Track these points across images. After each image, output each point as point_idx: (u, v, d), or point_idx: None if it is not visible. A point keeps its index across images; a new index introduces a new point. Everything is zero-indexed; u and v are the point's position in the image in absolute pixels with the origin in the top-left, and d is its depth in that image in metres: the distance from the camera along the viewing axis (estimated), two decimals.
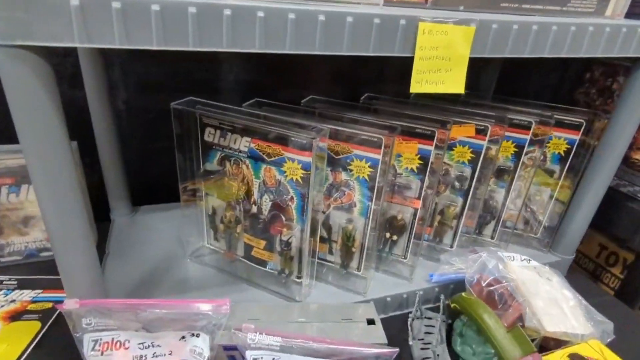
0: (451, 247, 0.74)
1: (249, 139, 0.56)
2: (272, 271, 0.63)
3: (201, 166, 0.62)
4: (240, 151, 0.58)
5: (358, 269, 0.65)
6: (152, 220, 0.78)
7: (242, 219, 0.63)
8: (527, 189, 0.76)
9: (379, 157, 0.56)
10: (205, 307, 0.45)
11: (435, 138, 0.59)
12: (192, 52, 0.37)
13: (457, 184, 0.69)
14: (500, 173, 0.71)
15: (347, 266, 0.65)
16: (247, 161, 0.58)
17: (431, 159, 0.60)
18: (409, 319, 0.59)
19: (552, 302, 0.60)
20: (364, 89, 0.74)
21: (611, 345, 0.58)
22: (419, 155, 0.61)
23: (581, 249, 0.91)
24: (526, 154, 0.73)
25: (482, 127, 0.63)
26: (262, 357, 0.44)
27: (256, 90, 0.80)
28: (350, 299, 0.62)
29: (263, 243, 0.62)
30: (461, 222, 0.71)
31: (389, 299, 0.64)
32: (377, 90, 0.75)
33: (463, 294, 0.59)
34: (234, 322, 0.47)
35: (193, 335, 0.47)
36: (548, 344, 0.58)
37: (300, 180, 0.55)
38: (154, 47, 0.35)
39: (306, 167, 0.54)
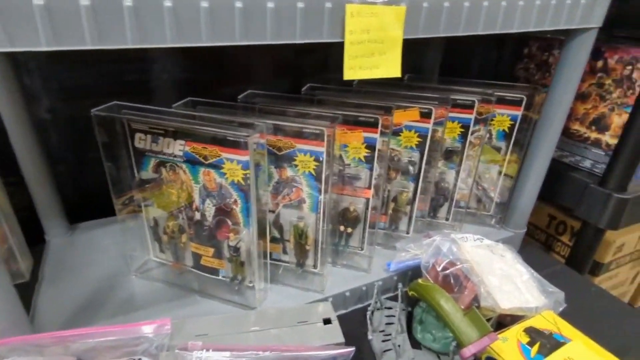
0: (407, 233, 0.73)
1: (182, 142, 0.52)
2: (224, 279, 0.60)
3: (136, 175, 0.57)
4: (175, 156, 0.54)
5: (314, 266, 0.63)
6: (91, 237, 0.72)
7: (186, 228, 0.59)
8: (476, 168, 0.77)
9: (323, 149, 0.54)
10: (144, 329, 0.42)
11: (380, 125, 0.57)
12: (120, 52, 0.33)
13: (408, 169, 0.68)
14: (449, 154, 0.71)
15: (303, 265, 0.63)
16: (184, 166, 0.54)
17: (378, 147, 0.59)
18: (368, 312, 0.57)
19: (506, 278, 0.60)
20: (308, 80, 0.71)
21: (564, 313, 0.60)
22: (365, 144, 0.59)
23: (532, 220, 0.93)
24: (472, 133, 0.74)
25: (427, 110, 0.62)
26: None
27: (194, 89, 0.76)
28: (308, 298, 0.60)
29: (211, 250, 0.59)
30: (415, 207, 0.71)
31: (347, 293, 0.63)
32: (323, 80, 0.72)
33: (419, 280, 0.58)
34: (180, 341, 0.44)
35: None
36: (505, 320, 0.59)
37: (242, 181, 0.52)
38: (88, 47, 0.31)
39: (246, 167, 0.51)
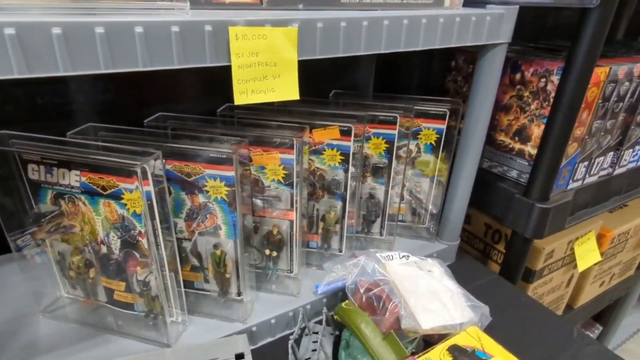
0: (340, 251, 0.72)
1: (78, 173, 0.49)
2: (140, 314, 0.56)
3: (35, 208, 0.53)
4: (72, 187, 0.50)
5: (238, 294, 0.60)
6: (4, 274, 0.66)
7: (93, 262, 0.55)
8: (407, 182, 0.77)
9: (233, 173, 0.52)
10: None
11: (295, 146, 0.56)
12: None
13: (334, 187, 0.66)
14: (376, 170, 0.70)
15: (226, 293, 0.60)
16: (83, 197, 0.50)
17: (295, 168, 0.57)
18: (290, 341, 0.55)
19: (433, 295, 0.60)
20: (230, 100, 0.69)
21: (490, 327, 0.60)
22: (282, 166, 0.58)
23: (471, 229, 0.94)
24: (401, 147, 0.74)
25: (346, 128, 0.61)
26: None
27: (111, 112, 0.72)
28: (230, 329, 0.57)
29: (123, 285, 0.55)
30: (345, 225, 0.69)
31: (273, 320, 0.60)
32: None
33: (343, 304, 0.57)
34: None
35: None
36: (433, 338, 0.58)
37: (145, 211, 0.49)
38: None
39: (148, 197, 0.48)
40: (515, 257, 0.78)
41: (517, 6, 0.57)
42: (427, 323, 0.54)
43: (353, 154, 0.63)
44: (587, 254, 0.89)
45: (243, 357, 0.47)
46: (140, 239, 0.51)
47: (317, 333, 0.61)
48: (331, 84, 0.80)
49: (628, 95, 0.72)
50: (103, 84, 0.69)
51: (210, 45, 0.38)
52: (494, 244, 0.88)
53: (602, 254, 0.97)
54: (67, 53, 0.32)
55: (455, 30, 0.53)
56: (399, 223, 0.81)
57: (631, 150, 0.81)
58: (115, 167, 0.46)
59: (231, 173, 0.51)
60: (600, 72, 0.64)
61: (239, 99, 0.41)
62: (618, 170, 0.82)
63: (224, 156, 0.50)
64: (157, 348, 0.54)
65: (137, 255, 0.52)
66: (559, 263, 0.87)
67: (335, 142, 0.63)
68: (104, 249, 0.53)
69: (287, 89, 0.43)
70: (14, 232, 0.53)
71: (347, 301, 0.58)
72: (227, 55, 0.39)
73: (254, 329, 0.59)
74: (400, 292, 0.57)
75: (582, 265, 0.88)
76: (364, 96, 0.82)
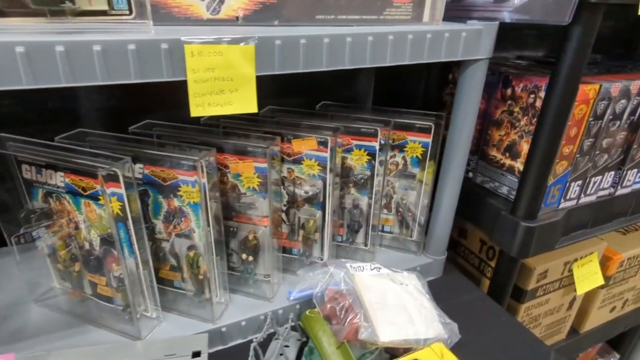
0: (321, 259, 0.73)
1: (62, 174, 0.53)
2: (117, 307, 0.60)
3: (29, 203, 0.58)
4: (58, 187, 0.54)
5: (215, 294, 0.63)
6: (5, 264, 0.72)
7: (78, 256, 0.59)
8: (394, 194, 0.77)
9: (204, 180, 0.54)
10: None
11: (267, 155, 0.58)
12: None
13: (313, 196, 0.68)
14: (358, 181, 0.71)
15: (202, 293, 0.63)
16: (67, 196, 0.55)
17: (269, 177, 0.59)
18: (253, 344, 0.57)
19: (400, 308, 0.60)
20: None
21: (463, 344, 0.60)
22: (257, 174, 0.60)
23: (467, 244, 0.93)
24: (389, 158, 0.74)
25: (323, 139, 0.63)
26: None
27: (111, 117, 0.77)
28: (201, 328, 0.60)
29: (104, 279, 0.59)
30: (325, 234, 0.70)
31: (244, 322, 0.62)
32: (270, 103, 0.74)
33: (307, 311, 0.58)
34: None
35: None
36: (398, 351, 0.58)
37: (120, 212, 0.52)
38: None
39: (120, 199, 0.51)
40: (503, 275, 0.76)
41: (497, 22, 0.57)
42: (387, 336, 0.55)
43: (329, 165, 0.64)
44: (588, 277, 0.85)
45: (199, 355, 0.50)
46: (116, 237, 0.55)
47: (288, 338, 0.63)
48: (331, 95, 0.82)
49: (627, 113, 0.69)
50: (105, 92, 0.74)
51: (167, 62, 0.41)
52: (488, 260, 0.86)
53: (609, 278, 0.93)
54: (29, 69, 0.36)
55: (426, 47, 0.54)
56: (387, 235, 0.82)
57: (635, 170, 0.77)
58: (90, 170, 0.50)
59: (202, 179, 0.54)
60: (588, 90, 0.62)
61: (195, 111, 0.43)
62: (621, 191, 0.78)
63: (191, 163, 0.53)
64: (129, 340, 0.57)
65: (115, 253, 0.56)
66: (555, 284, 0.84)
67: (313, 153, 0.64)
68: (86, 245, 0.57)
69: (245, 103, 0.45)
70: (9, 224, 0.59)
71: (311, 309, 0.59)
72: (183, 70, 0.42)
73: (223, 329, 0.61)
74: (364, 303, 0.57)
75: (581, 289, 0.84)
76: (353, 108, 0.82)
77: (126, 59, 0.39)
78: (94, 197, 0.52)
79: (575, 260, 0.83)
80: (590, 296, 0.94)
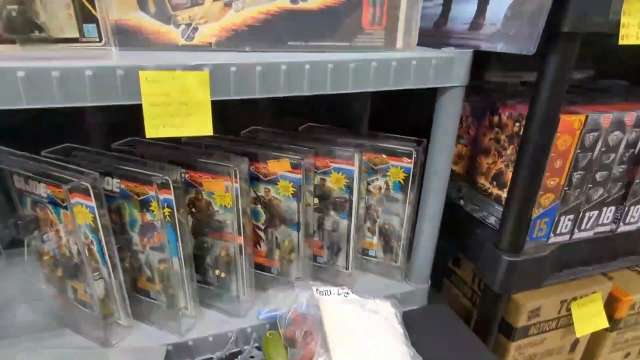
0: (298, 278, 0.73)
1: (45, 185, 0.57)
2: (94, 313, 0.63)
3: (20, 211, 0.63)
4: (41, 197, 0.59)
5: (186, 307, 0.65)
6: (10, 263, 0.78)
7: (60, 262, 0.63)
8: (377, 218, 0.76)
9: (172, 197, 0.57)
10: None
11: (236, 175, 0.59)
12: None
13: (288, 217, 0.68)
14: (336, 204, 0.71)
15: (174, 305, 0.65)
16: (49, 206, 0.59)
17: (238, 196, 0.61)
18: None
19: (364, 338, 0.58)
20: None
21: None
22: (228, 193, 0.61)
23: (460, 274, 0.89)
24: (370, 183, 0.74)
25: (296, 161, 0.63)
26: None
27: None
28: (169, 339, 0.62)
29: (83, 286, 0.63)
30: (300, 255, 0.71)
31: (211, 338, 0.63)
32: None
33: (268, 333, 0.58)
34: None
35: None
36: None
37: (92, 224, 0.56)
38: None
39: (92, 211, 0.55)
40: (488, 309, 0.72)
41: (471, 50, 0.56)
42: None
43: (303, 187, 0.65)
44: (590, 318, 0.79)
45: None
46: (92, 247, 0.58)
47: (252, 357, 0.63)
48: (327, 118, 0.83)
49: (622, 146, 0.64)
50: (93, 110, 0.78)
51: (123, 86, 0.44)
52: (480, 291, 0.82)
53: (619, 321, 0.86)
54: None
55: (391, 74, 0.54)
56: (372, 259, 0.80)
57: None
58: (64, 182, 0.54)
59: (170, 196, 0.57)
60: (572, 120, 0.59)
61: (150, 132, 0.46)
62: (624, 228, 0.73)
63: (164, 181, 0.55)
64: (95, 346, 0.60)
65: (92, 262, 0.59)
66: (552, 323, 0.79)
67: (288, 174, 0.65)
68: (67, 252, 0.61)
69: (200, 126, 0.47)
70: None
71: (272, 330, 0.59)
72: (138, 95, 0.44)
73: (190, 342, 0.62)
74: (324, 328, 0.57)
75: (581, 331, 0.78)
76: (337, 131, 0.81)
77: (84, 83, 0.42)
78: (70, 209, 0.56)
79: (575, 299, 0.78)
80: (596, 339, 0.87)
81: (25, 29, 0.43)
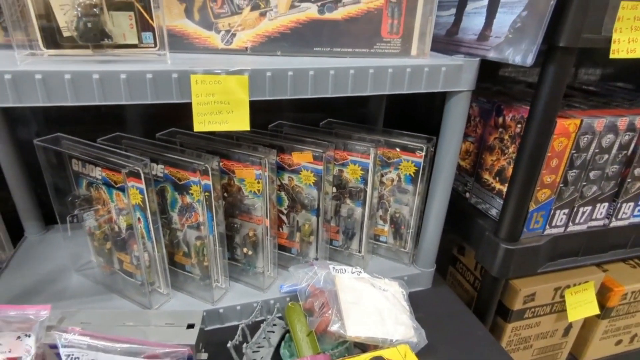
0: (316, 259, 0.81)
1: (100, 169, 0.66)
2: (137, 282, 0.72)
3: (75, 190, 0.72)
4: (97, 179, 0.67)
5: (217, 280, 0.73)
6: (58, 237, 0.88)
7: (110, 237, 0.72)
8: (389, 207, 0.84)
9: (210, 182, 0.65)
10: (29, 311, 0.54)
11: (265, 165, 0.67)
12: None
13: (309, 203, 0.76)
14: (352, 193, 0.79)
15: (206, 278, 0.73)
16: (103, 187, 0.67)
17: (267, 183, 0.69)
18: (242, 325, 0.66)
19: (374, 310, 0.66)
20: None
21: (432, 350, 0.66)
22: (257, 180, 0.69)
23: (464, 261, 0.97)
24: (383, 175, 0.81)
25: (317, 154, 0.71)
26: (73, 354, 0.53)
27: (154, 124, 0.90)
28: (203, 307, 0.71)
29: (128, 258, 0.72)
30: (319, 238, 0.79)
31: (239, 307, 0.72)
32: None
33: (290, 303, 0.66)
34: (69, 324, 0.57)
35: (26, 335, 0.56)
36: (369, 348, 0.65)
37: (141, 203, 0.64)
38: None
39: (142, 192, 0.63)
40: (486, 292, 0.79)
41: (478, 59, 0.62)
42: (354, 331, 0.62)
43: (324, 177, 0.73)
44: (582, 305, 0.86)
45: (193, 327, 0.60)
46: (138, 224, 0.67)
47: (275, 325, 0.72)
48: (345, 114, 0.90)
49: (615, 148, 0.70)
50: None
51: (176, 88, 0.52)
52: (482, 277, 0.89)
53: (611, 309, 0.92)
54: (73, 90, 0.48)
55: (405, 79, 0.61)
56: (382, 244, 0.88)
57: (632, 203, 0.77)
58: (118, 167, 0.62)
59: (208, 182, 0.65)
60: (568, 124, 0.65)
61: (198, 127, 0.54)
62: (617, 223, 0.79)
63: (199, 167, 0.64)
64: (140, 309, 0.69)
65: (136, 237, 0.68)
66: (546, 308, 0.86)
67: (310, 165, 0.73)
68: (116, 228, 0.70)
69: (239, 122, 0.55)
70: (63, 206, 0.73)
71: (293, 302, 0.67)
72: (189, 94, 0.52)
73: (221, 310, 0.71)
74: (339, 300, 0.65)
75: (572, 316, 0.85)
76: (355, 127, 0.88)
77: (145, 85, 0.50)
78: (123, 190, 0.65)
79: (568, 286, 0.85)
80: (589, 325, 0.94)
81: (97, 38, 0.51)
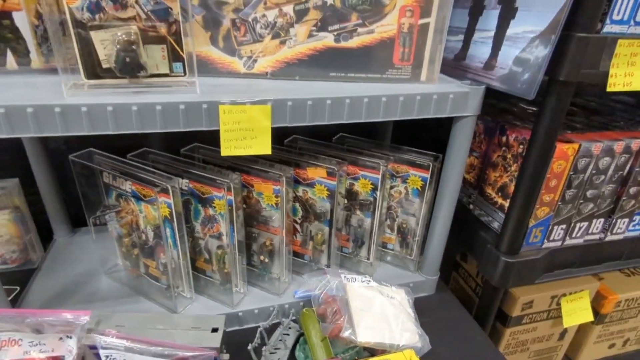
0: (328, 267, 0.87)
1: (130, 183, 0.71)
2: (163, 286, 0.78)
3: (105, 200, 0.77)
4: (126, 191, 0.73)
5: (236, 285, 0.79)
6: (86, 240, 0.94)
7: (137, 244, 0.78)
8: (397, 217, 0.89)
9: (232, 198, 0.70)
10: (69, 316, 0.60)
11: (283, 180, 0.72)
12: None
13: (322, 215, 0.81)
14: (362, 205, 0.84)
15: (227, 283, 0.79)
16: (132, 199, 0.73)
17: (284, 198, 0.74)
18: (260, 328, 0.72)
19: (382, 316, 0.72)
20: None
21: (430, 354, 0.71)
22: (274, 194, 0.75)
23: (467, 268, 1.02)
24: (392, 187, 0.86)
25: (331, 170, 0.76)
26: (111, 355, 0.59)
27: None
28: (222, 310, 0.76)
29: (155, 263, 0.77)
30: (332, 247, 0.84)
31: (256, 310, 0.78)
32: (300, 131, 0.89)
33: (304, 309, 0.72)
34: (105, 327, 0.62)
35: (68, 337, 0.62)
36: (376, 352, 0.70)
37: (168, 216, 0.70)
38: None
39: (169, 206, 0.68)
40: (487, 300, 0.85)
41: (483, 86, 0.67)
42: (364, 336, 0.67)
43: (337, 191, 0.78)
44: (577, 312, 0.91)
45: (217, 331, 0.66)
46: (166, 233, 0.72)
47: (290, 328, 0.77)
48: (356, 128, 0.94)
49: (612, 169, 0.75)
50: None
51: (206, 117, 0.56)
52: (482, 284, 0.95)
53: (605, 316, 0.97)
54: (115, 120, 0.53)
55: (415, 106, 0.65)
56: (389, 252, 0.93)
57: (627, 219, 0.82)
58: (149, 185, 0.67)
59: (230, 197, 0.70)
60: (567, 148, 0.70)
61: (224, 152, 0.59)
62: (612, 237, 0.83)
63: (222, 184, 0.69)
64: (167, 312, 0.75)
65: (163, 245, 0.73)
66: (542, 315, 0.91)
67: (323, 180, 0.78)
68: (143, 237, 0.76)
69: (262, 147, 0.60)
70: (90, 215, 0.78)
71: (309, 307, 0.73)
72: (217, 123, 0.57)
73: (240, 313, 0.77)
74: (350, 308, 0.70)
75: (568, 322, 0.90)
76: (366, 142, 0.92)
77: (177, 114, 0.55)
78: (152, 203, 0.70)
79: (564, 295, 0.90)
80: (583, 330, 0.99)
81: (134, 70, 0.56)
